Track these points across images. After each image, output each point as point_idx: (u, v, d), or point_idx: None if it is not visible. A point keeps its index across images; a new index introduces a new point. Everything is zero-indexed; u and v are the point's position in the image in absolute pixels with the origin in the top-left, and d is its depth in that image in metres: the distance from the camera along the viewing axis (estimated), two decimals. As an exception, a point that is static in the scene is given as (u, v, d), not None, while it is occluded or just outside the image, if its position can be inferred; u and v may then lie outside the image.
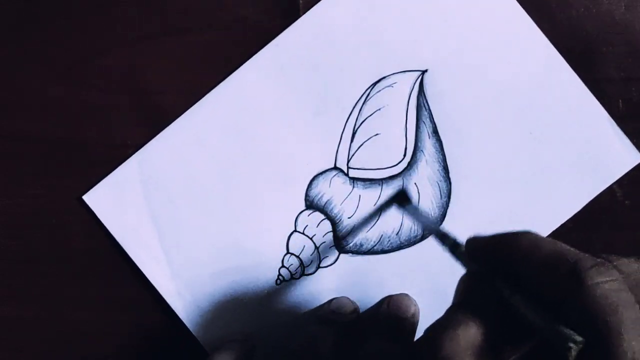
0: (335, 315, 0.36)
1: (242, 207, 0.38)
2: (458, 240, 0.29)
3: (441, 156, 0.38)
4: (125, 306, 0.38)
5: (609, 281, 0.21)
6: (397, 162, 0.38)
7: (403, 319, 0.34)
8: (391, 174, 0.38)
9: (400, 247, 0.38)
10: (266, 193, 0.38)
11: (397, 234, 0.38)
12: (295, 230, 0.38)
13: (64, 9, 0.38)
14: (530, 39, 0.37)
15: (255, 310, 0.38)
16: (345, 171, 0.38)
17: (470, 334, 0.23)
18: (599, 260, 0.22)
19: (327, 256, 0.38)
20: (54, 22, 0.38)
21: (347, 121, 0.38)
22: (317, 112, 0.38)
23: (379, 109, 0.38)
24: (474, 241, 0.26)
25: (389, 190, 0.38)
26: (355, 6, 0.37)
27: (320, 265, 0.38)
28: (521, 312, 0.23)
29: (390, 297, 0.35)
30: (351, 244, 0.38)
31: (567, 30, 0.38)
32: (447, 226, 0.38)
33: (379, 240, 0.38)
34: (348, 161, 0.38)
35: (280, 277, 0.38)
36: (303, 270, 0.38)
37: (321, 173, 0.38)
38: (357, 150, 0.38)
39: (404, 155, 0.38)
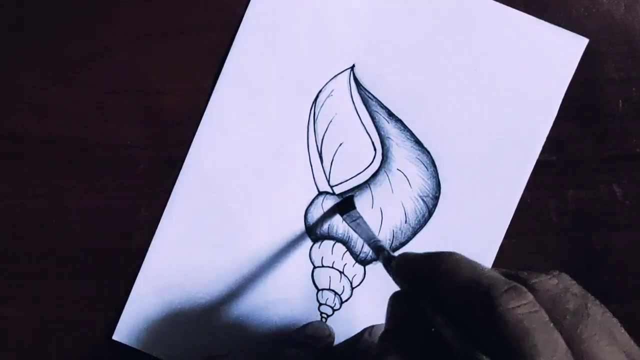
0: (312, 340, 0.36)
1: (258, 272, 0.38)
2: (392, 255, 0.29)
3: (408, 133, 0.38)
4: (125, 306, 0.38)
5: (521, 305, 0.21)
6: (372, 159, 0.38)
7: None
8: (372, 172, 0.38)
9: (414, 232, 0.38)
10: (272, 248, 0.38)
11: (406, 222, 0.38)
12: (314, 267, 0.38)
13: (64, 9, 0.38)
14: None
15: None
16: (331, 191, 0.38)
17: None
18: (512, 284, 0.22)
19: (355, 274, 0.38)
20: (54, 22, 0.38)
21: (308, 146, 0.38)
22: (277, 152, 0.38)
23: (331, 121, 0.38)
24: (404, 259, 0.27)
25: (378, 188, 0.38)
26: (265, 42, 0.38)
27: (353, 286, 0.38)
28: (443, 335, 0.23)
29: (372, 326, 0.36)
30: (367, 253, 0.38)
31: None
32: (446, 191, 0.38)
33: (392, 236, 0.38)
34: (328, 181, 0.38)
35: (323, 315, 0.38)
36: (340, 299, 0.38)
37: (310, 204, 0.38)
38: (330, 168, 0.38)
39: (374, 149, 0.38)
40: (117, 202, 0.38)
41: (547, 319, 0.21)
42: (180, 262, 0.38)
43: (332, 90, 0.38)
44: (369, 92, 0.38)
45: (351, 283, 0.38)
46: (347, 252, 0.38)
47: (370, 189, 0.38)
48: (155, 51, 0.38)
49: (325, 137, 0.38)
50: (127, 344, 0.38)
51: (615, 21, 0.38)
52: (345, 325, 0.38)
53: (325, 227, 0.38)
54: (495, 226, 0.38)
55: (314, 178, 0.38)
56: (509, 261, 0.38)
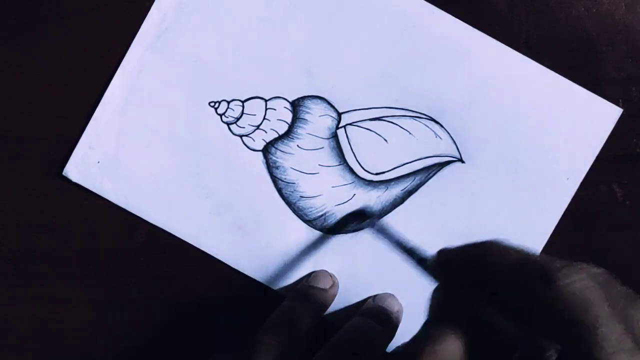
0: (313, 290, 0.36)
1: (260, 53, 0.38)
2: (425, 255, 0.29)
3: (390, 209, 0.38)
4: (125, 306, 0.38)
5: (578, 280, 0.21)
6: (367, 170, 0.38)
7: (389, 312, 0.36)
8: (353, 169, 0.38)
9: (290, 205, 0.38)
10: (292, 56, 0.37)
11: (301, 196, 0.38)
12: (264, 99, 0.38)
13: (64, 9, 0.38)
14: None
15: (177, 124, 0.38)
16: (340, 125, 0.38)
17: (450, 349, 0.22)
18: (566, 261, 0.22)
19: (253, 140, 0.38)
20: (54, 22, 0.38)
21: (386, 107, 0.37)
22: (383, 74, 0.37)
23: (410, 133, 0.37)
24: (445, 253, 0.26)
25: (336, 173, 0.38)
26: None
27: (243, 139, 0.38)
28: (494, 323, 0.23)
29: (376, 295, 0.37)
30: (273, 158, 0.38)
31: (567, 30, 0.38)
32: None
33: (287, 182, 0.38)
34: (350, 124, 0.38)
35: (217, 104, 0.38)
36: (233, 122, 0.37)
37: (328, 102, 0.38)
38: (362, 128, 0.38)
39: (376, 174, 0.38)
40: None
41: (604, 294, 0.21)
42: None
43: (441, 140, 0.37)
44: (431, 177, 0.38)
45: (248, 134, 0.38)
46: (278, 135, 0.38)
47: (334, 140, 0.38)
48: (155, 51, 0.38)
49: (394, 125, 0.37)
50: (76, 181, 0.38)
51: (615, 21, 0.38)
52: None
53: (304, 110, 0.38)
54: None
55: (353, 109, 0.38)
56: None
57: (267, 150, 0.38)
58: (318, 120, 0.38)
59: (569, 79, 0.37)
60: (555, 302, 0.21)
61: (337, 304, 0.38)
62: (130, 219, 0.38)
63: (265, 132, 0.38)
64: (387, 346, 0.34)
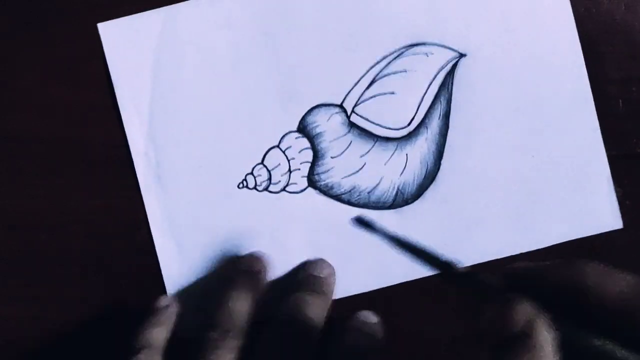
0: (250, 275, 0.36)
1: (240, 106, 0.38)
2: (467, 270, 0.24)
3: (442, 140, 0.38)
4: (125, 306, 0.38)
5: None
6: (399, 127, 0.38)
7: (320, 278, 0.36)
8: (388, 136, 0.38)
9: (366, 205, 0.38)
10: (268, 101, 0.38)
11: (369, 192, 0.38)
12: (276, 146, 0.38)
13: (64, 9, 0.38)
14: (570, 63, 0.37)
15: (213, 209, 0.38)
16: (349, 113, 0.38)
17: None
18: None
19: (295, 183, 0.38)
20: (54, 22, 0.38)
21: (371, 68, 0.38)
22: (347, 47, 0.37)
23: (405, 71, 0.37)
24: (517, 269, 0.24)
25: (379, 150, 0.38)
26: None
27: (286, 189, 0.38)
28: (584, 343, 0.20)
29: (305, 261, 0.37)
30: (323, 183, 0.38)
31: (567, 30, 0.38)
32: (421, 206, 0.38)
33: (349, 191, 0.38)
34: (355, 105, 0.38)
35: (244, 182, 0.38)
36: (268, 185, 0.38)
37: (325, 105, 0.38)
38: (367, 99, 0.38)
39: (409, 124, 0.38)
40: (117, 202, 0.38)
41: None
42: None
43: (432, 54, 0.37)
44: (452, 84, 0.37)
45: (287, 185, 0.38)
46: (308, 164, 0.38)
47: (374, 145, 0.38)
48: (155, 51, 0.38)
49: (388, 76, 0.37)
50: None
51: (616, 21, 0.38)
52: (249, 208, 0.38)
53: (316, 129, 0.38)
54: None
55: (349, 91, 0.38)
56: (509, 262, 0.38)
57: (312, 182, 0.38)
58: (329, 124, 0.38)
59: (569, 79, 0.37)
60: None
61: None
62: (131, 219, 0.38)
63: (299, 168, 0.38)
64: (325, 313, 0.35)
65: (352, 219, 0.31)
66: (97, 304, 0.39)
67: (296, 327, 0.33)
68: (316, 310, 0.34)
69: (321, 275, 0.37)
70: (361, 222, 0.30)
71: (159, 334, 0.35)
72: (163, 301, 0.37)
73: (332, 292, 0.37)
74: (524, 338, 0.20)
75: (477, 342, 0.21)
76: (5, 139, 0.38)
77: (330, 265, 0.37)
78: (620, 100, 0.38)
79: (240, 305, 0.34)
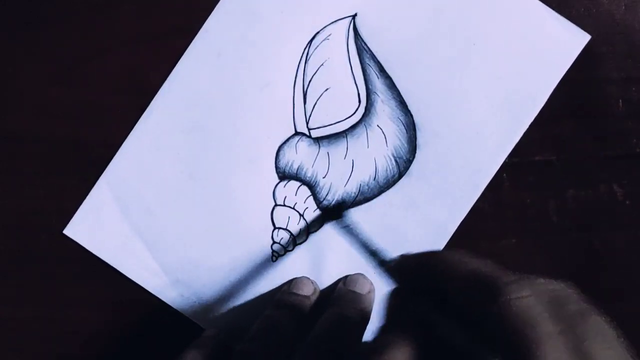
0: (295, 297, 0.36)
1: (218, 197, 0.38)
2: (387, 258, 0.31)
3: (395, 92, 0.38)
4: (125, 306, 0.38)
5: (524, 297, 0.21)
6: (354, 111, 0.38)
7: (361, 295, 0.36)
8: (352, 123, 0.38)
9: (380, 190, 0.38)
10: (238, 177, 0.38)
11: (374, 179, 0.38)
12: (276, 205, 0.38)
13: (64, 9, 0.38)
14: None
15: (255, 292, 0.38)
16: (308, 133, 0.38)
17: (402, 357, 0.23)
18: (516, 277, 0.22)
19: (314, 220, 0.38)
20: (54, 22, 0.38)
21: (294, 85, 0.38)
22: (263, 85, 0.38)
23: (322, 64, 0.38)
24: (404, 258, 0.27)
25: (355, 140, 0.38)
26: None
27: (310, 232, 0.38)
28: (443, 330, 0.23)
29: (346, 276, 0.37)
30: (333, 203, 0.38)
31: (567, 30, 0.38)
32: (421, 157, 0.38)
33: (358, 190, 0.38)
34: (307, 123, 0.38)
35: (274, 253, 0.38)
36: (294, 241, 0.38)
37: (285, 142, 0.38)
38: (312, 110, 0.38)
39: (359, 101, 0.38)
40: (117, 202, 0.38)
41: (552, 312, 0.21)
42: (146, 176, 0.38)
43: (330, 35, 0.38)
44: (366, 44, 0.37)
45: (308, 227, 0.38)
46: (311, 197, 0.38)
47: (347, 139, 0.38)
48: (155, 51, 0.38)
49: (313, 79, 0.38)
50: (77, 241, 0.38)
51: (615, 21, 0.38)
52: (293, 270, 0.38)
53: (294, 167, 0.38)
54: (461, 200, 0.38)
55: (294, 117, 0.38)
56: (509, 261, 0.38)
57: (324, 208, 0.38)
58: (299, 155, 0.38)
59: (569, 78, 0.37)
60: (500, 317, 0.21)
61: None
62: (130, 219, 0.38)
63: (307, 207, 0.38)
64: (363, 332, 0.34)
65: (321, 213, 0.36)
66: (97, 304, 0.39)
67: (334, 345, 0.32)
68: (355, 331, 0.34)
69: (364, 292, 0.36)
70: (332, 212, 0.37)
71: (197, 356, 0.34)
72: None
73: (371, 309, 0.36)
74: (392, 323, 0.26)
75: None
76: (5, 139, 0.38)
77: (371, 282, 0.37)
78: (620, 100, 0.38)
79: (288, 326, 0.34)
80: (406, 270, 0.27)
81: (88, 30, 0.38)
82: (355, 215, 0.38)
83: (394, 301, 0.27)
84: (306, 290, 0.37)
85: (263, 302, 0.38)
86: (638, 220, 0.38)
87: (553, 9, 0.38)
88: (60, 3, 0.38)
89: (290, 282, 0.37)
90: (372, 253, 0.32)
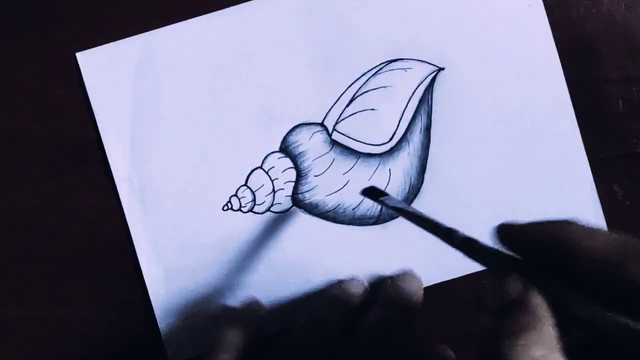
0: (345, 296, 0.36)
1: (221, 129, 0.38)
2: (464, 235, 0.26)
3: (424, 154, 0.38)
4: (125, 306, 0.38)
5: None
6: (381, 143, 0.38)
7: (409, 296, 0.35)
8: (371, 152, 0.38)
9: (351, 222, 0.38)
10: (248, 123, 0.38)
11: (353, 209, 0.38)
12: (259, 167, 0.38)
13: (64, 9, 0.38)
14: (548, 70, 0.37)
15: (197, 231, 0.38)
16: (330, 131, 0.38)
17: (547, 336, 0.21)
18: None
19: (280, 203, 0.38)
20: (54, 22, 0.38)
21: (350, 85, 0.38)
22: (326, 65, 0.38)
23: (385, 87, 0.38)
24: (508, 228, 0.24)
25: (362, 166, 0.38)
26: None
27: (271, 209, 0.38)
28: (572, 305, 0.21)
29: (391, 277, 0.36)
30: (307, 201, 0.38)
31: (567, 30, 0.38)
32: (402, 221, 0.37)
33: (334, 208, 0.38)
34: (336, 123, 0.38)
35: (228, 204, 0.38)
36: (253, 206, 0.38)
37: (307, 124, 0.38)
38: (348, 117, 0.38)
39: (390, 139, 0.38)
40: (117, 202, 0.38)
41: None
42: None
43: (410, 69, 0.38)
44: (432, 98, 0.38)
45: (271, 205, 0.38)
46: (292, 184, 0.38)
47: (357, 161, 0.38)
48: (155, 51, 0.38)
49: (369, 92, 0.38)
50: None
51: (615, 21, 0.38)
52: (233, 230, 0.38)
53: (298, 149, 0.38)
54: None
55: (330, 109, 0.38)
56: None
57: (297, 201, 0.38)
58: (311, 143, 0.38)
59: (569, 79, 0.37)
60: None
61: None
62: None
63: (283, 188, 0.38)
64: (408, 332, 0.34)
65: (362, 189, 0.35)
66: (97, 304, 0.39)
67: (378, 347, 0.32)
68: (403, 334, 0.33)
69: (413, 292, 0.35)
70: (370, 192, 0.35)
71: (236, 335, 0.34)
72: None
73: (419, 307, 0.36)
74: (520, 304, 0.21)
75: (477, 309, 0.23)
76: (5, 139, 0.38)
77: (420, 280, 0.36)
78: (620, 100, 0.38)
79: (330, 320, 0.34)
80: (514, 243, 0.24)
81: (88, 30, 0.38)
82: (321, 224, 0.38)
83: (496, 285, 0.23)
84: (355, 290, 0.36)
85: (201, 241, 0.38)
86: (638, 220, 0.38)
87: (553, 8, 0.38)
88: (60, 3, 0.38)
89: (341, 281, 0.37)
90: (448, 232, 0.27)
